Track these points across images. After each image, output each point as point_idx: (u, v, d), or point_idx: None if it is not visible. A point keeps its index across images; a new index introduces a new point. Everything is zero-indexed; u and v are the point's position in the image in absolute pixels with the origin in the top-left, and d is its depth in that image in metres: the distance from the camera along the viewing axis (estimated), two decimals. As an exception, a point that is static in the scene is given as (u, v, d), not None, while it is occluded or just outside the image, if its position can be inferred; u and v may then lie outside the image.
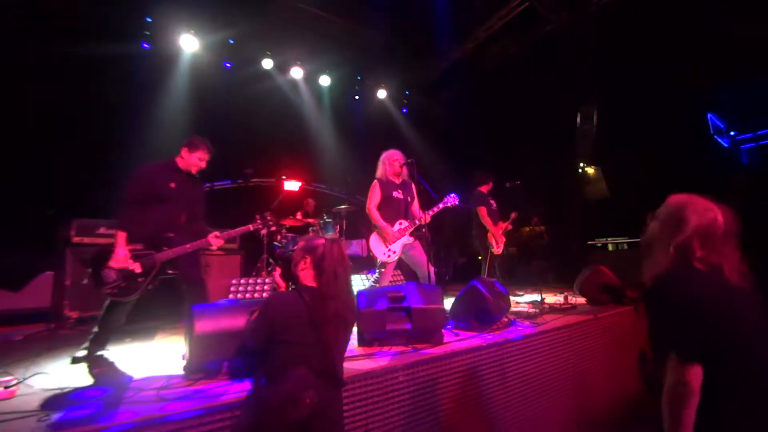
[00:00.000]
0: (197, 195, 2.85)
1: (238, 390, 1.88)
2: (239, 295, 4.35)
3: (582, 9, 6.37)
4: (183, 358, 2.26)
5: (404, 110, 9.30)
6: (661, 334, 1.27)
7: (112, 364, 2.30)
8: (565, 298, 4.37)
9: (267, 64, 7.07)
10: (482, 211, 5.02)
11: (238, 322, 2.11)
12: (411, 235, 3.65)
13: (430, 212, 3.63)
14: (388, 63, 7.84)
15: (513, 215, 5.24)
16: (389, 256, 3.56)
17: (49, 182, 4.95)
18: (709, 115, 6.51)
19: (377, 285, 3.66)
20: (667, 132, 6.13)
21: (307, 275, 1.81)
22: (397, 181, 3.79)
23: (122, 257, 2.37)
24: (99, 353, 2.37)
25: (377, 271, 3.75)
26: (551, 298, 4.56)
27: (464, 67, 8.14)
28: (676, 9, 5.63)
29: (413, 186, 3.81)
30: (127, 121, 5.67)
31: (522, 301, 4.63)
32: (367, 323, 2.64)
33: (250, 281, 4.52)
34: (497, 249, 5.01)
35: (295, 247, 1.91)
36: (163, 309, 3.68)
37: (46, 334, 3.65)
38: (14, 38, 4.95)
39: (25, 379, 2.16)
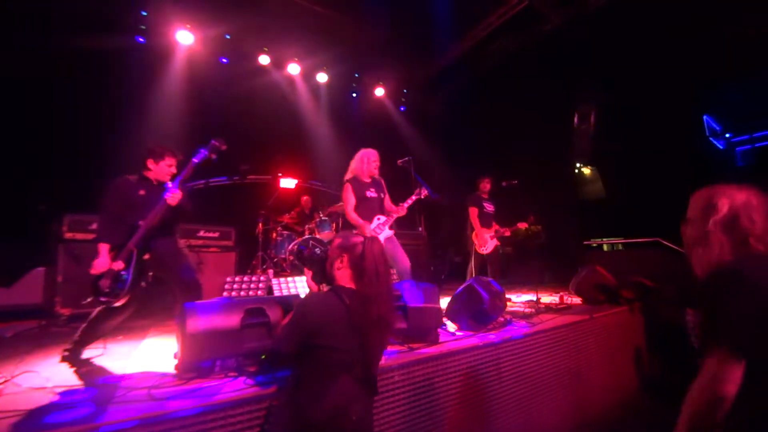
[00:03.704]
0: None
1: (231, 389, 1.85)
2: (234, 293, 4.32)
3: (581, 8, 6.36)
4: (175, 357, 2.23)
5: (402, 108, 9.27)
6: (714, 327, 1.14)
7: (100, 367, 2.28)
8: (561, 297, 4.37)
9: (264, 59, 7.02)
10: (473, 212, 5.09)
11: (231, 320, 2.09)
12: (390, 228, 3.69)
13: (405, 204, 3.72)
14: (386, 60, 7.81)
15: (531, 218, 5.19)
16: None
17: (42, 177, 4.89)
18: (705, 117, 6.54)
19: None
20: (663, 133, 6.15)
21: (344, 275, 1.70)
22: (368, 180, 3.76)
23: (102, 263, 2.37)
24: (84, 356, 2.34)
25: None
26: (547, 298, 4.56)
27: (462, 66, 8.12)
28: (674, 10, 5.64)
29: (382, 181, 3.83)
30: (122, 115, 5.61)
31: (517, 301, 4.63)
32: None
33: (245, 279, 4.49)
34: (480, 249, 5.05)
35: (331, 246, 1.79)
36: (156, 306, 3.64)
37: (36, 330, 3.60)
38: (7, 31, 4.87)
39: (13, 377, 2.12)
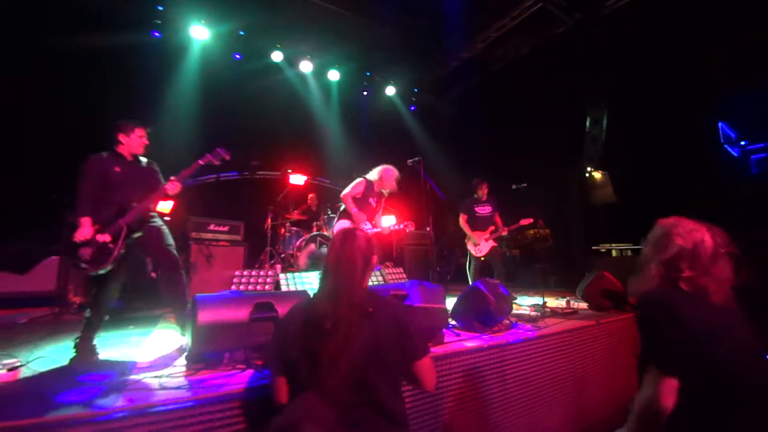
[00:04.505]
0: (149, 175, 2.85)
1: (238, 381, 1.88)
2: (242, 287, 4.37)
3: (595, 11, 6.31)
4: (184, 348, 2.28)
5: (412, 108, 9.27)
6: (644, 346, 1.34)
7: (108, 358, 2.35)
8: (568, 302, 4.35)
9: (277, 56, 7.06)
10: (461, 218, 5.21)
11: (241, 313, 2.12)
12: None
13: (390, 226, 3.98)
14: (397, 60, 7.81)
15: (540, 222, 5.28)
16: None
17: (56, 168, 4.97)
18: (720, 124, 6.43)
19: None
20: (676, 139, 6.07)
21: None
22: (378, 191, 4.01)
23: (83, 233, 2.46)
24: (94, 342, 2.40)
25: None
26: (553, 302, 4.54)
27: (474, 67, 8.09)
28: (688, 15, 5.57)
29: (385, 199, 4.12)
30: (137, 108, 5.67)
31: (523, 305, 4.62)
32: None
33: (253, 273, 4.54)
34: (475, 252, 5.10)
35: None
36: (166, 298, 3.69)
37: (50, 318, 3.69)
38: (23, 26, 4.97)
39: (28, 362, 2.19)
